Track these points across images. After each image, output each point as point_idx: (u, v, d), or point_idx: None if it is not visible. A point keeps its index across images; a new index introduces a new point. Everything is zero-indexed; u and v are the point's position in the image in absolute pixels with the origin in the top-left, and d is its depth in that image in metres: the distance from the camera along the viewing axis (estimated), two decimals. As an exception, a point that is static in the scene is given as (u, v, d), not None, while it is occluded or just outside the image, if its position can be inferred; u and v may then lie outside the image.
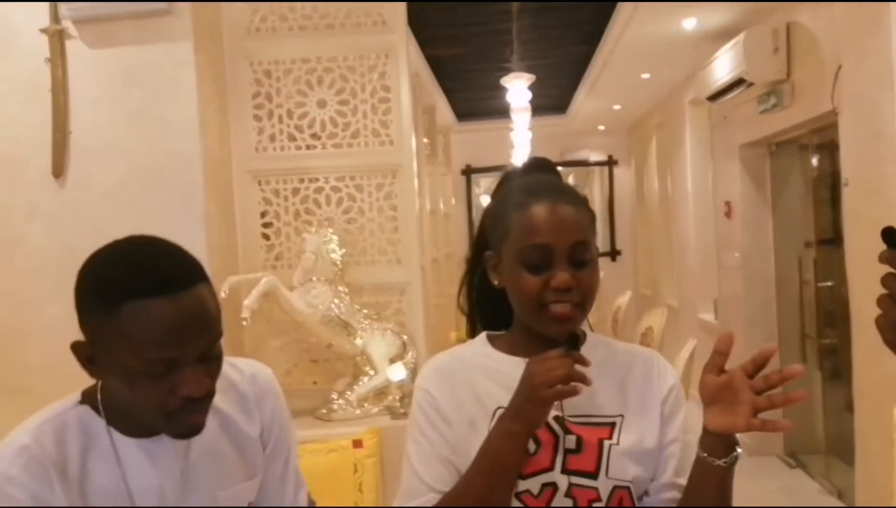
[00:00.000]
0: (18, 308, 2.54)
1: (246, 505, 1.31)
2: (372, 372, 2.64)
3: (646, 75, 6.03)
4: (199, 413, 1.12)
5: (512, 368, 1.14)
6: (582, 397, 1.08)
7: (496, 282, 1.20)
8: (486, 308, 1.28)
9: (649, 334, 4.66)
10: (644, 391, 1.19)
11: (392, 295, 2.83)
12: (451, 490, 1.12)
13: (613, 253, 9.33)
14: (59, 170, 2.50)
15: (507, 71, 5.62)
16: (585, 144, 9.36)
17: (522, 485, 1.11)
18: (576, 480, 1.11)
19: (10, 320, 2.53)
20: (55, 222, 2.52)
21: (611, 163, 9.36)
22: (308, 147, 2.84)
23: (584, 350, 1.12)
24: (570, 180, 10.74)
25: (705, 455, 1.08)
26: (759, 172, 4.99)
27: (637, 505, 1.15)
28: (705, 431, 1.08)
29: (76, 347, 1.13)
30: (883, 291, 0.86)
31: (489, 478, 1.08)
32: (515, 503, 1.11)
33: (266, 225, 2.88)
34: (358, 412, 2.60)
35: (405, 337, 2.69)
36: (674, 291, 6.98)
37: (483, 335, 1.25)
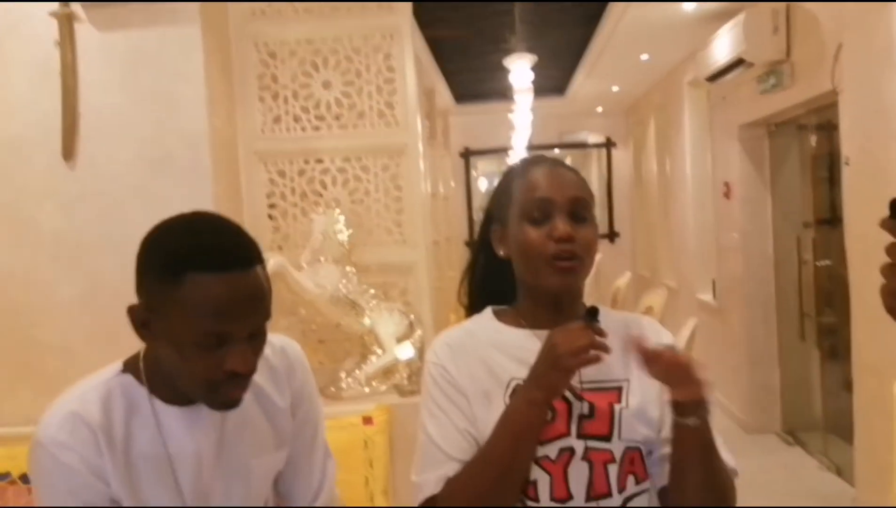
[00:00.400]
0: (31, 289, 2.57)
1: (275, 474, 1.36)
2: (380, 351, 2.68)
3: (644, 57, 6.05)
4: (241, 389, 1.17)
5: (521, 340, 1.19)
6: (598, 364, 1.12)
7: (502, 252, 1.25)
8: (491, 289, 1.31)
9: (649, 313, 4.71)
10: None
11: (398, 275, 2.86)
12: (475, 456, 1.16)
13: (612, 235, 9.36)
14: (69, 152, 2.53)
15: (506, 53, 5.63)
16: (584, 125, 9.38)
17: (541, 451, 1.15)
18: (591, 444, 1.16)
19: (23, 300, 2.57)
20: (66, 203, 2.55)
21: (609, 145, 9.38)
22: (314, 128, 2.87)
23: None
24: (569, 162, 10.72)
25: (679, 418, 1.13)
26: (758, 153, 5.02)
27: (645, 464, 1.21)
28: (674, 404, 1.14)
29: (132, 310, 1.17)
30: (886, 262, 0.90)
31: (513, 444, 1.13)
32: (535, 468, 1.16)
33: (271, 206, 2.91)
34: (367, 390, 2.64)
35: (412, 316, 2.73)
36: (672, 272, 7.03)
37: (489, 310, 1.29)
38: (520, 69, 5.21)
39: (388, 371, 2.67)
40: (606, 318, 1.22)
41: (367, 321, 2.67)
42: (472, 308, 1.33)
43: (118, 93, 2.54)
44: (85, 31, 2.52)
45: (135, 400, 1.23)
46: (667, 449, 1.19)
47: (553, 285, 1.19)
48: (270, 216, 2.89)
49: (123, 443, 1.21)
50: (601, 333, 1.11)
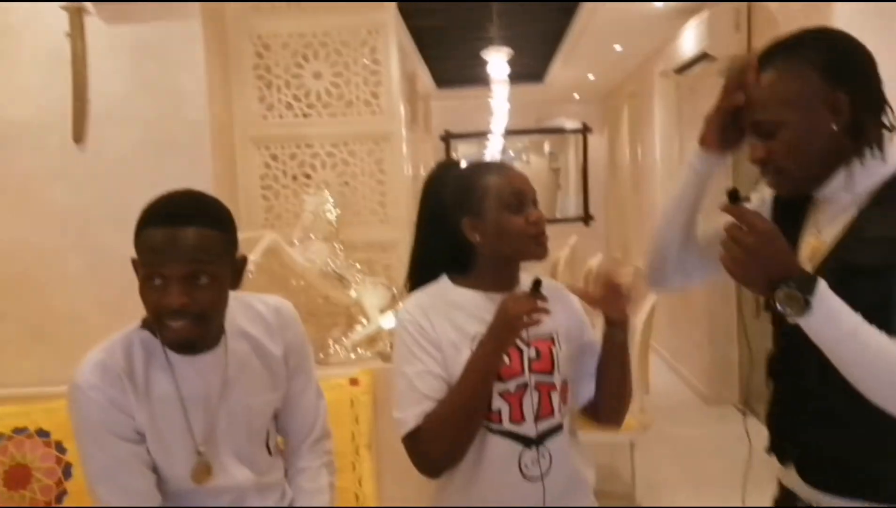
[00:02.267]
0: (43, 261, 2.79)
1: (273, 411, 1.63)
2: (365, 321, 2.93)
3: (618, 47, 6.29)
4: (182, 323, 1.41)
5: (479, 301, 1.48)
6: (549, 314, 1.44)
7: (477, 238, 1.52)
8: (440, 267, 1.57)
9: (617, 292, 4.98)
10: (568, 309, 1.58)
11: (382, 252, 3.12)
12: (448, 394, 1.44)
13: (587, 218, 9.64)
14: (79, 136, 2.74)
15: (486, 41, 5.85)
16: (561, 111, 9.63)
17: (502, 387, 1.45)
18: (540, 378, 1.48)
19: (35, 271, 2.79)
20: (76, 183, 2.77)
21: (585, 130, 9.64)
22: (305, 115, 3.10)
23: (524, 284, 1.51)
24: (546, 147, 11.02)
25: (609, 330, 1.51)
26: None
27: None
28: (607, 321, 1.51)
29: (135, 263, 1.45)
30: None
31: (477, 384, 1.43)
32: (498, 399, 1.45)
33: (265, 187, 3.15)
34: (353, 356, 2.89)
35: (395, 289, 2.98)
36: (642, 253, 7.31)
37: (445, 277, 1.56)
38: (496, 62, 5.45)
39: (372, 339, 2.92)
40: (545, 284, 1.53)
41: (353, 293, 2.92)
42: (416, 283, 1.60)
43: (125, 81, 2.76)
44: (94, 24, 2.73)
45: (152, 351, 1.49)
46: (585, 374, 1.57)
47: (540, 256, 1.50)
48: (264, 197, 3.13)
49: (144, 386, 1.47)
50: (544, 299, 1.41)
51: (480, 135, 9.17)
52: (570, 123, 9.70)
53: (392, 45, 3.07)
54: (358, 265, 2.98)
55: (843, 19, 2.89)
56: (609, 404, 1.58)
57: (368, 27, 3.07)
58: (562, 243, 8.28)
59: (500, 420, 1.46)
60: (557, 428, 1.49)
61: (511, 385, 1.46)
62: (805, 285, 1.15)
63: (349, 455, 2.49)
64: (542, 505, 1.47)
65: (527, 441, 1.46)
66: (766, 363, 1.42)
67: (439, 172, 1.62)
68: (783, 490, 1.42)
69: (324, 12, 3.07)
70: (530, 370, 1.48)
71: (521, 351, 1.48)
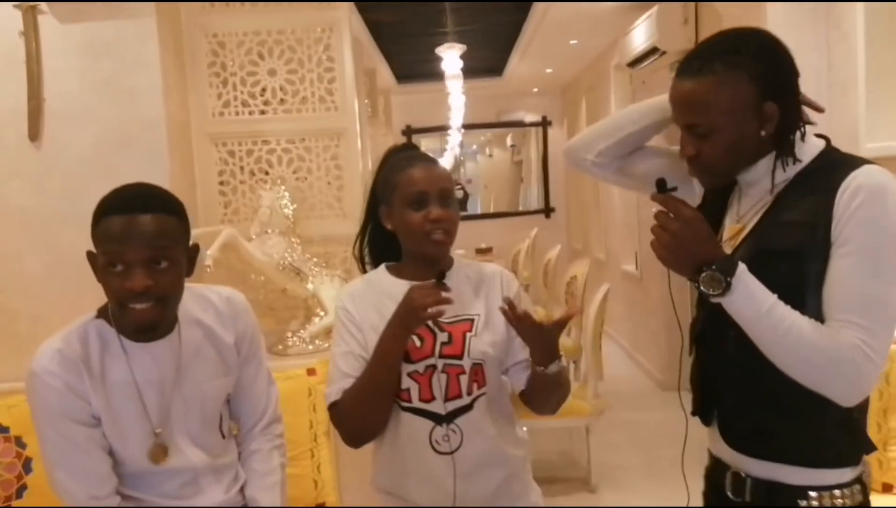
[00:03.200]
0: (1, 260, 2.80)
1: (225, 395, 1.70)
2: (322, 313, 2.99)
3: (574, 42, 6.40)
4: (145, 305, 1.49)
5: (403, 289, 1.57)
6: (454, 302, 1.55)
7: (389, 226, 1.65)
8: (379, 251, 1.73)
9: (573, 282, 5.11)
10: (493, 294, 1.67)
11: (339, 245, 3.18)
12: (360, 374, 1.57)
13: (547, 210, 9.76)
14: (34, 134, 2.76)
15: (444, 35, 5.92)
16: (521, 105, 9.73)
17: (411, 367, 1.58)
18: (448, 362, 1.59)
19: (-7, 270, 2.80)
20: (33, 181, 2.79)
21: (545, 123, 9.76)
22: (261, 112, 3.15)
23: (454, 271, 1.64)
24: (508, 140, 11.12)
25: (539, 368, 1.57)
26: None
27: (493, 379, 1.64)
28: (534, 359, 1.57)
29: (90, 255, 1.52)
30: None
31: (383, 363, 1.55)
32: (407, 379, 1.57)
33: (222, 183, 3.19)
34: (310, 347, 2.96)
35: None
36: (601, 244, 7.46)
37: (383, 266, 1.70)
38: (450, 58, 5.53)
39: (329, 331, 2.98)
40: (466, 269, 1.67)
41: (310, 286, 2.99)
42: (364, 262, 1.75)
43: (80, 80, 2.78)
44: (48, 23, 2.75)
45: (107, 339, 1.57)
46: (519, 362, 1.65)
47: (431, 253, 1.61)
48: (221, 193, 3.17)
49: (100, 372, 1.54)
50: (447, 289, 1.51)
51: (442, 129, 9.25)
52: (531, 117, 9.81)
53: (346, 43, 3.13)
54: (315, 259, 3.04)
55: (777, 15, 3.02)
56: (539, 402, 1.67)
57: (322, 25, 3.12)
58: (523, 235, 8.41)
59: (410, 399, 1.58)
60: (467, 408, 1.59)
61: (420, 367, 1.58)
62: (726, 268, 1.27)
63: (307, 443, 2.56)
64: (452, 478, 1.57)
65: (437, 418, 1.57)
66: (689, 329, 1.52)
67: (385, 156, 1.73)
68: (713, 459, 1.53)
69: (278, 10, 3.12)
70: (440, 353, 1.59)
71: (434, 334, 1.59)
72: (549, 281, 6.31)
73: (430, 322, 1.57)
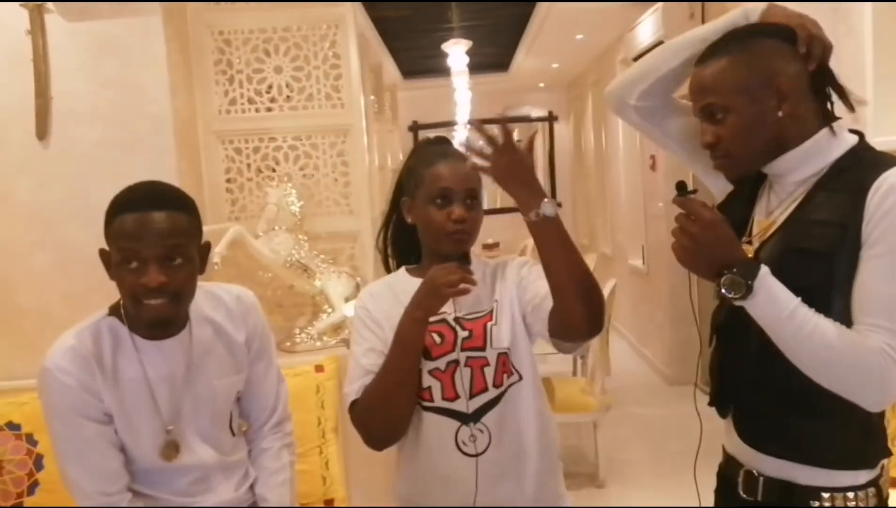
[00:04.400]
0: (9, 257, 2.81)
1: (236, 393, 1.71)
2: (330, 310, 3.00)
3: (580, 36, 6.40)
4: (159, 301, 1.49)
5: None
6: (471, 300, 1.51)
7: (409, 219, 1.62)
8: (401, 246, 1.70)
9: (580, 277, 5.10)
10: (507, 278, 1.62)
11: (346, 242, 3.19)
12: (379, 369, 1.51)
13: (554, 205, 9.74)
14: (42, 132, 2.77)
15: (450, 31, 5.92)
16: (527, 100, 9.73)
17: (432, 365, 1.52)
18: (471, 354, 1.53)
19: (1, 267, 2.81)
20: (41, 179, 2.79)
21: (551, 119, 9.69)
22: (267, 109, 3.16)
23: (472, 267, 1.56)
24: (515, 135, 11.07)
25: (532, 215, 1.41)
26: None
27: (524, 367, 1.57)
28: (521, 205, 1.43)
29: (102, 253, 1.53)
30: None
31: (401, 352, 1.48)
32: (428, 377, 1.52)
33: (229, 181, 3.20)
34: (318, 344, 2.96)
35: (358, 279, 3.05)
36: (608, 239, 7.46)
37: (403, 268, 1.67)
38: (456, 54, 5.53)
39: (337, 327, 2.99)
40: (483, 267, 1.63)
41: (318, 283, 2.99)
42: (386, 256, 1.72)
43: (86, 78, 2.79)
44: (55, 22, 2.75)
45: (119, 336, 1.57)
46: (532, 301, 1.53)
47: (450, 252, 1.56)
48: (228, 190, 3.18)
49: (112, 370, 1.55)
50: (469, 272, 1.47)
51: (449, 125, 9.23)
52: (537, 112, 9.78)
53: (352, 40, 3.13)
54: (322, 256, 3.04)
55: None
56: (567, 303, 1.42)
57: (328, 22, 3.12)
58: (529, 230, 8.38)
59: (432, 398, 1.52)
60: (493, 402, 1.52)
61: (441, 363, 1.52)
62: (747, 271, 1.24)
63: (316, 440, 2.57)
64: (475, 482, 1.50)
65: (462, 418, 1.51)
66: (711, 318, 1.51)
67: (416, 147, 1.71)
68: (726, 456, 1.52)
69: (283, 8, 3.12)
70: (462, 347, 1.53)
71: (455, 332, 1.54)
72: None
73: (449, 319, 1.53)
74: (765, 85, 1.31)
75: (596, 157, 7.97)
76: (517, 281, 1.60)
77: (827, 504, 1.32)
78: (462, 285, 1.43)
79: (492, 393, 1.53)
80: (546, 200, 1.41)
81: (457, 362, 1.53)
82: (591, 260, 5.09)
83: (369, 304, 1.60)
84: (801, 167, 1.35)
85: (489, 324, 1.56)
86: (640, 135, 6.10)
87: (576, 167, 9.52)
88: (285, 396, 1.82)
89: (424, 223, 1.58)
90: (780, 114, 1.32)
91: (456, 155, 1.61)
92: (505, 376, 1.54)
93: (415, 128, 9.71)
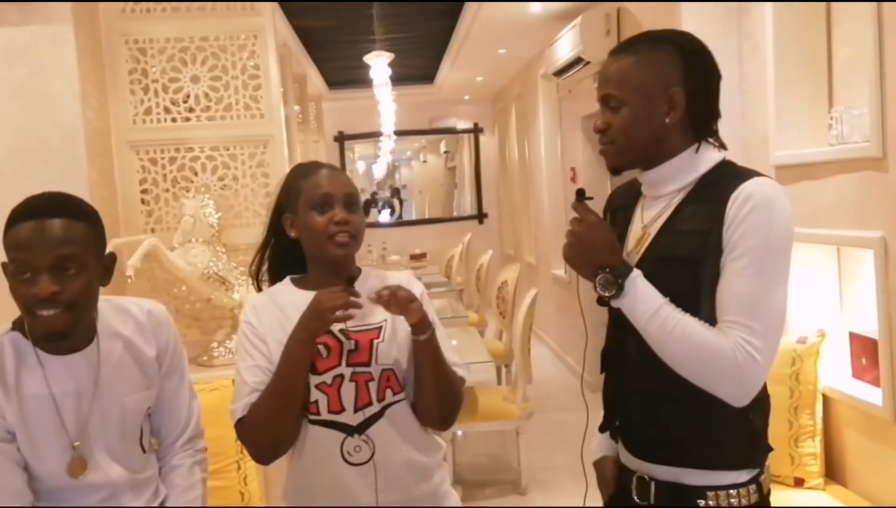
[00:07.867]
0: None
1: (146, 409, 1.67)
2: (249, 322, 2.96)
3: (502, 51, 6.49)
4: (52, 312, 1.46)
5: (307, 301, 1.54)
6: (360, 312, 1.52)
7: (293, 234, 1.62)
8: (286, 264, 1.68)
9: (504, 287, 5.17)
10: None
11: (266, 254, 3.15)
12: (266, 386, 1.52)
13: (480, 216, 9.84)
14: (-55, 142, 2.67)
15: (374, 42, 5.92)
16: (453, 112, 9.80)
17: (319, 379, 1.54)
18: (356, 369, 1.56)
19: None
20: (-56, 189, 2.68)
21: (476, 131, 9.85)
22: (184, 119, 3.11)
23: (360, 280, 1.61)
24: (442, 146, 11.18)
25: (413, 336, 1.55)
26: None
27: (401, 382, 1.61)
28: (410, 325, 1.54)
29: (3, 266, 1.49)
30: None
31: (288, 371, 1.50)
32: (315, 391, 1.54)
33: (144, 191, 3.13)
34: (236, 358, 2.92)
35: (278, 290, 3.02)
36: (532, 249, 7.57)
37: (288, 278, 1.66)
38: (378, 66, 5.54)
39: (256, 340, 2.96)
40: (370, 278, 1.65)
41: (236, 295, 2.95)
42: (259, 281, 1.71)
43: (-7, 86, 2.70)
44: (-41, 29, 2.66)
45: (22, 351, 1.53)
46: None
47: (335, 256, 1.58)
48: (144, 201, 3.11)
49: (14, 386, 1.51)
50: (356, 295, 1.49)
51: (375, 135, 9.23)
52: (462, 124, 9.89)
53: (271, 50, 3.11)
54: (241, 268, 3.01)
55: (692, 25, 3.14)
56: (425, 403, 1.60)
57: (246, 31, 3.10)
58: (457, 240, 8.46)
59: (318, 412, 1.54)
60: (377, 416, 1.55)
61: (328, 377, 1.54)
62: (620, 272, 1.36)
63: (234, 455, 2.53)
64: (361, 491, 1.54)
65: (348, 430, 1.54)
66: (601, 355, 1.58)
67: (290, 171, 1.72)
68: (620, 465, 1.59)
69: (200, 17, 3.08)
70: (347, 362, 1.55)
71: (341, 344, 1.56)
72: (482, 286, 6.37)
73: (335, 331, 1.54)
74: (660, 91, 1.40)
75: (520, 168, 8.09)
76: None
77: (712, 503, 1.39)
78: (345, 312, 1.47)
79: (375, 407, 1.56)
80: (429, 329, 1.54)
81: (342, 376, 1.55)
82: (515, 270, 5.16)
83: (253, 319, 1.59)
84: (672, 180, 1.44)
85: (376, 341, 1.59)
86: (561, 147, 6.23)
87: (501, 178, 9.64)
88: (198, 412, 1.80)
89: (308, 231, 1.59)
90: (666, 120, 1.41)
91: (331, 166, 1.67)
92: (388, 391, 1.58)
93: (340, 138, 9.70)
